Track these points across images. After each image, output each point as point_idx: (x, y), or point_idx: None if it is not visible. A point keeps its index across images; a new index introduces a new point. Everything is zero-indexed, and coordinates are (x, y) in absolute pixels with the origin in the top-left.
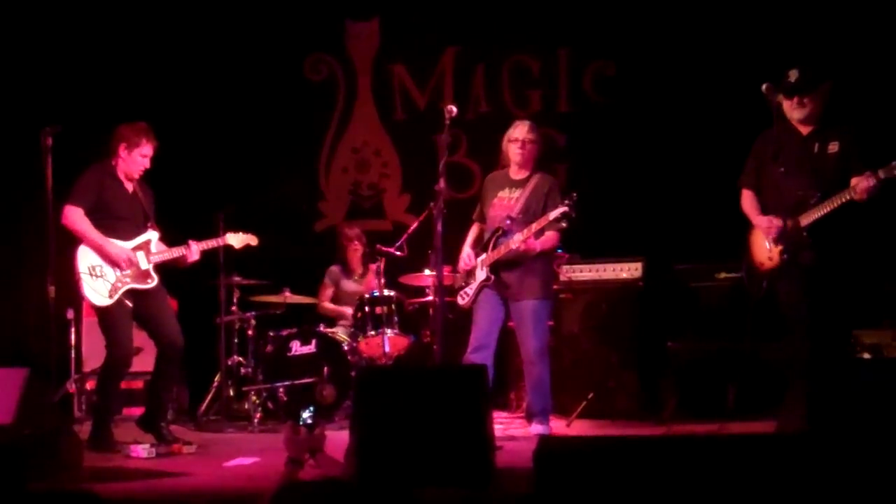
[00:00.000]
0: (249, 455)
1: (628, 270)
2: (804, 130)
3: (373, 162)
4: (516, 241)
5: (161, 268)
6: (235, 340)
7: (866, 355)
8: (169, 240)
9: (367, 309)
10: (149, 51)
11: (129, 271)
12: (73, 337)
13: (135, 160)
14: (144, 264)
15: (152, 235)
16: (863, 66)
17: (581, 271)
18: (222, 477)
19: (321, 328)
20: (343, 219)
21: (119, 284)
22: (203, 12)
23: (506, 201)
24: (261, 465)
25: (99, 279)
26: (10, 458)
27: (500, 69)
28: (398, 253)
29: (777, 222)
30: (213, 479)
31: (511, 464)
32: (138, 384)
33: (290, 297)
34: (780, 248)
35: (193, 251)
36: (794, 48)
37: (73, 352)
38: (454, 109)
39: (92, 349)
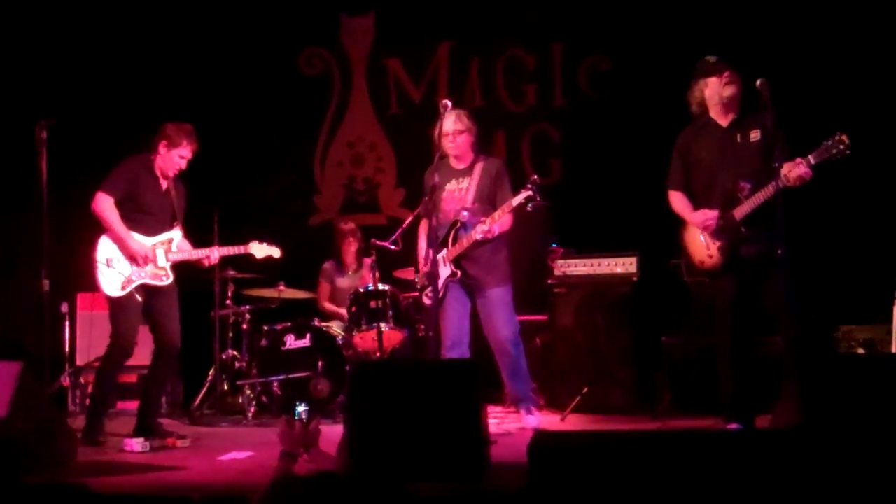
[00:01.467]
0: (243, 449)
1: (623, 265)
2: (724, 122)
3: (367, 156)
4: (480, 231)
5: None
6: (230, 334)
7: (860, 351)
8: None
9: (361, 303)
10: (144, 45)
11: (146, 267)
12: (67, 331)
13: (172, 159)
14: (162, 261)
15: (175, 234)
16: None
17: (576, 266)
18: (216, 471)
19: (315, 322)
20: (338, 213)
21: (133, 278)
22: (198, 7)
23: (456, 193)
24: (255, 459)
25: (114, 270)
26: (4, 452)
27: (495, 64)
28: (393, 247)
29: (712, 214)
30: (208, 472)
31: (505, 458)
32: (132, 378)
33: (284, 291)
34: (718, 244)
35: (214, 256)
36: (783, 42)
37: (66, 346)
38: (449, 104)
39: (86, 343)
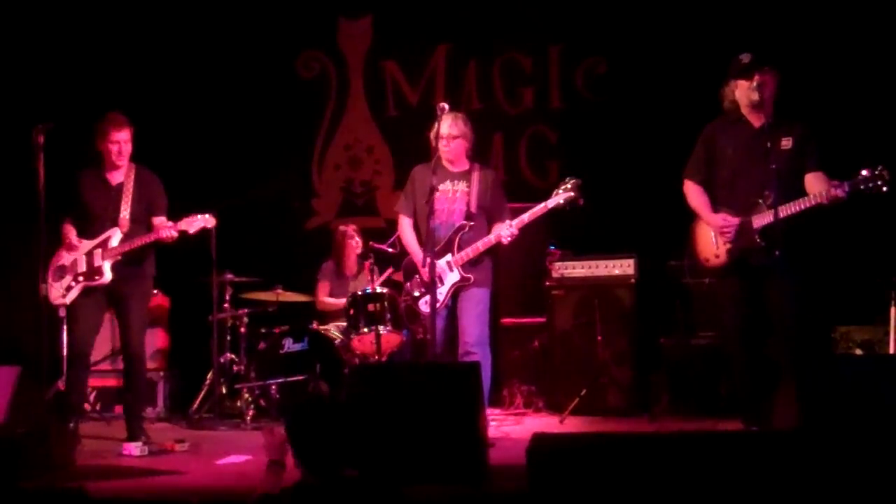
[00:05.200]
0: (242, 453)
1: (621, 267)
2: (756, 122)
3: (365, 159)
4: (507, 234)
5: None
6: (228, 338)
7: (858, 352)
8: None
9: (359, 306)
10: (141, 48)
11: (82, 269)
12: (64, 335)
13: (109, 150)
14: (98, 261)
15: (113, 232)
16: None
17: (574, 268)
18: (215, 475)
19: (314, 325)
20: (335, 216)
21: (73, 283)
22: (195, 9)
23: (450, 194)
24: (253, 463)
25: (61, 280)
26: (2, 456)
27: (492, 66)
28: (391, 250)
29: (733, 222)
30: (206, 476)
31: (504, 461)
32: None
33: (282, 294)
34: (728, 246)
35: (166, 234)
36: (783, 42)
37: (64, 350)
38: (446, 107)
39: None
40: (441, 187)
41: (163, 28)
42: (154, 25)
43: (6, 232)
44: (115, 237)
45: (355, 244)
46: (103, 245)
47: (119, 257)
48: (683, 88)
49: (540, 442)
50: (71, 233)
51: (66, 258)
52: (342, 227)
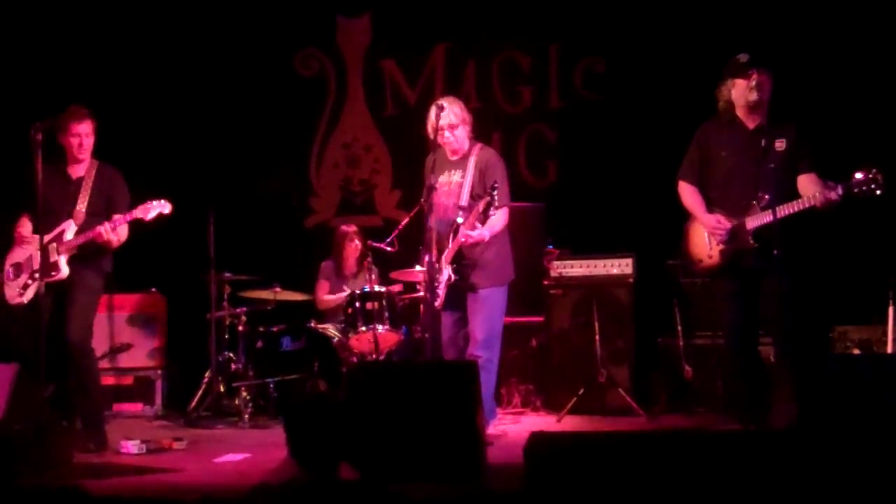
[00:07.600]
0: (240, 451)
1: (619, 266)
2: (750, 123)
3: (363, 157)
4: (462, 234)
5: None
6: (226, 336)
7: (856, 351)
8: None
9: (357, 305)
10: (139, 45)
11: (37, 266)
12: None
13: (70, 143)
14: (53, 255)
15: (67, 225)
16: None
17: (572, 267)
18: (213, 473)
19: (312, 324)
20: (334, 215)
21: (29, 282)
22: (194, 7)
23: (445, 187)
24: (251, 461)
25: (17, 279)
26: (0, 454)
27: (491, 65)
28: (389, 248)
29: (726, 223)
30: (204, 475)
31: (501, 459)
32: (128, 380)
33: (280, 292)
34: (720, 247)
35: (107, 230)
36: (778, 43)
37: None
38: (445, 105)
39: None
40: (441, 179)
41: (162, 26)
42: (153, 23)
43: (4, 229)
44: (70, 230)
45: (355, 246)
46: (58, 239)
47: (75, 251)
48: (682, 88)
49: (538, 441)
50: (24, 227)
51: (20, 254)
52: (343, 228)
